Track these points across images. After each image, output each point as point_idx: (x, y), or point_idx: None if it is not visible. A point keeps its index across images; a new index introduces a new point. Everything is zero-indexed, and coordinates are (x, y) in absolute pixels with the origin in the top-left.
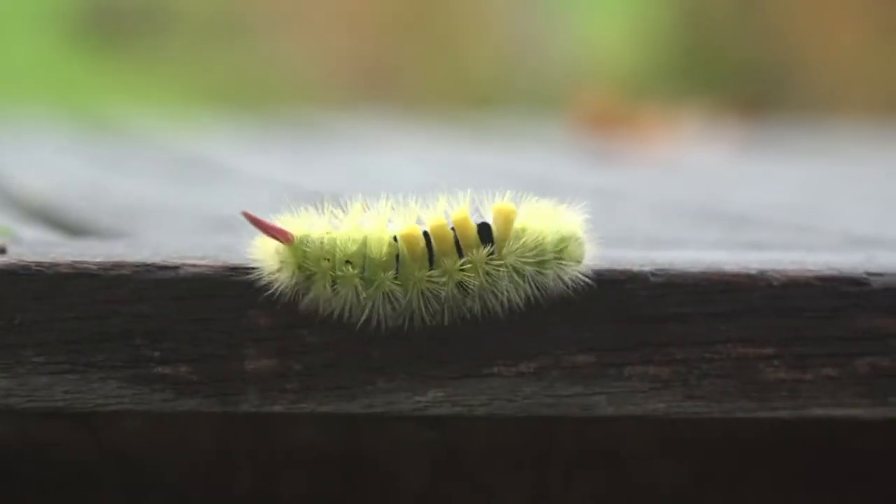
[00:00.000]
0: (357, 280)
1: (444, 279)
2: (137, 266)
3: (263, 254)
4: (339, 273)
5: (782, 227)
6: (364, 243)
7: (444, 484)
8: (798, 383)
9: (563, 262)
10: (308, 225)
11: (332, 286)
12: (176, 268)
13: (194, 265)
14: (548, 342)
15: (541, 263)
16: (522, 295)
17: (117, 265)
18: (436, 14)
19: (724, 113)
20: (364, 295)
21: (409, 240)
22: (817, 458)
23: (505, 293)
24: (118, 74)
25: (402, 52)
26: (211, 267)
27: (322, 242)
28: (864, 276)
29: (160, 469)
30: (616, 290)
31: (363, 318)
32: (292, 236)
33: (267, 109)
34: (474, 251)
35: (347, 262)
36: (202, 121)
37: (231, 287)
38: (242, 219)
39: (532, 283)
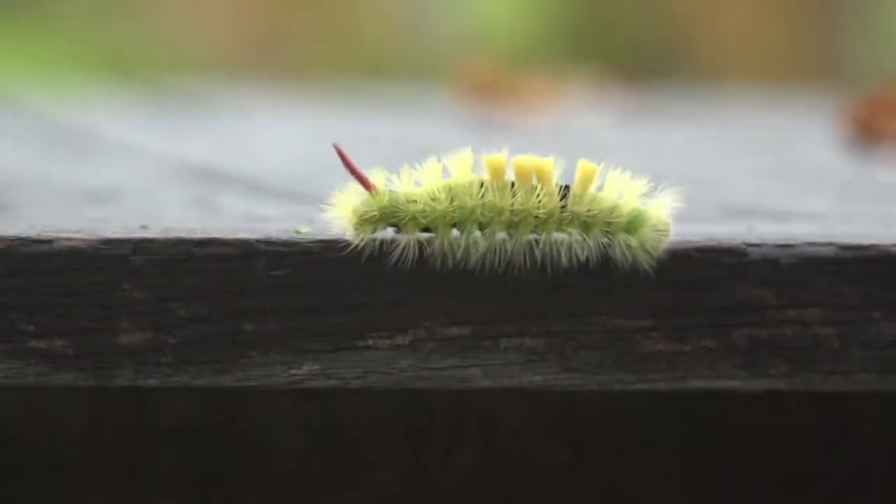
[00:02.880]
0: (449, 213)
1: (521, 216)
2: (12, 240)
3: (341, 211)
4: (427, 210)
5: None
6: (447, 182)
7: (320, 458)
8: (676, 355)
9: (637, 235)
10: (383, 177)
11: (421, 229)
12: (50, 241)
13: (69, 238)
14: (423, 314)
15: (612, 228)
16: (585, 253)
17: None
18: None
19: (610, 82)
20: (456, 231)
21: (493, 163)
22: (697, 432)
23: (569, 243)
24: (4, 41)
25: (292, 20)
26: (85, 240)
27: (406, 185)
28: (743, 246)
29: (36, 444)
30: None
31: (460, 253)
32: (374, 186)
33: (155, 80)
34: (549, 196)
35: (434, 199)
36: (88, 91)
37: (105, 260)
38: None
39: (598, 245)
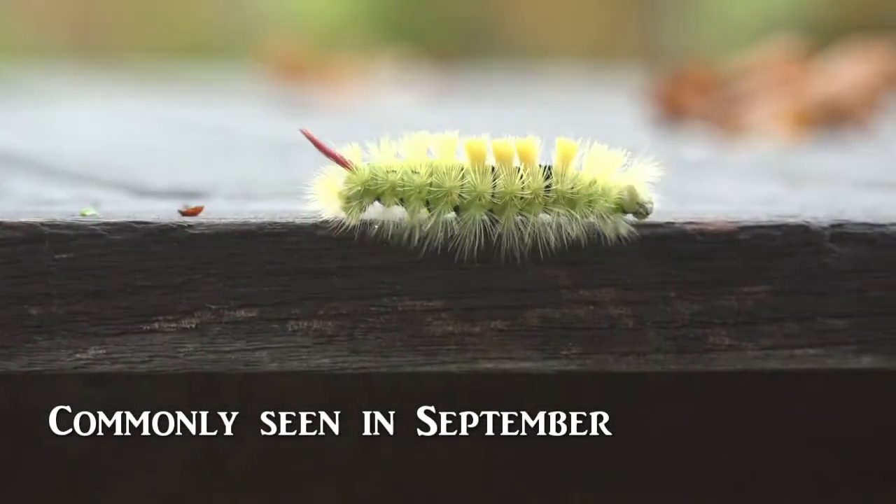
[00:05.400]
0: (426, 189)
1: (504, 199)
2: None
3: (323, 191)
4: (407, 184)
5: None
6: (429, 158)
7: (107, 443)
8: (466, 336)
9: (620, 207)
10: (358, 152)
11: (399, 202)
12: None
13: None
14: (209, 297)
15: (593, 202)
16: (575, 230)
17: None
18: None
19: (419, 61)
20: (433, 209)
21: (474, 147)
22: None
23: (555, 223)
24: None
25: (108, 3)
26: None
27: (387, 157)
28: None
29: None
30: (278, 244)
31: (430, 229)
32: (351, 162)
33: None
34: (533, 176)
35: (414, 172)
36: None
37: None
38: None
39: (584, 222)
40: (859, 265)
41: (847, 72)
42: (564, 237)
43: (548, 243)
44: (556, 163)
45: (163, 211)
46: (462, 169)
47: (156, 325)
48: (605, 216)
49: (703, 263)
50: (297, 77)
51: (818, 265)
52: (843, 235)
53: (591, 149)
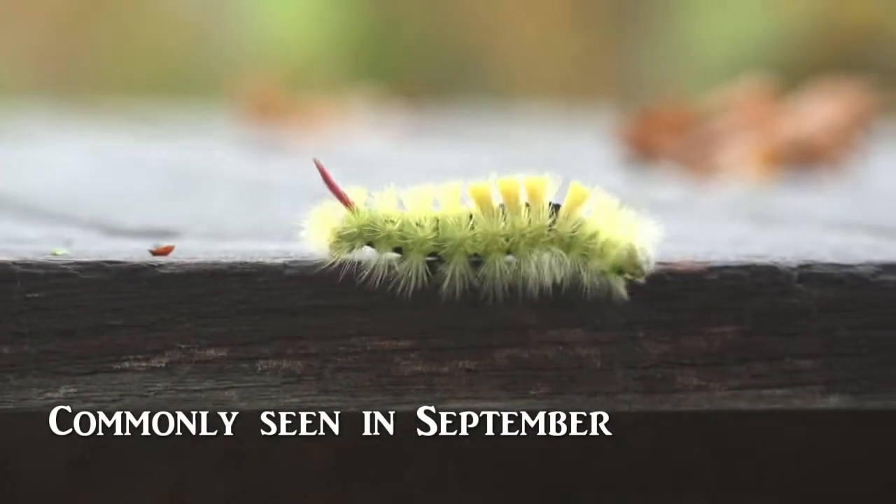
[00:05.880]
0: (430, 243)
1: (513, 238)
2: None
3: (316, 227)
4: (408, 236)
5: None
6: (432, 208)
7: (79, 483)
8: (434, 376)
9: (618, 267)
10: (363, 194)
11: (394, 250)
12: None
13: None
14: (179, 336)
15: (588, 257)
16: (561, 272)
17: None
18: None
19: (393, 100)
20: (447, 261)
21: (479, 192)
22: (463, 452)
23: (547, 265)
24: None
25: (84, 40)
26: None
27: (389, 204)
28: None
29: None
30: (248, 283)
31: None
32: (353, 203)
33: None
34: (538, 214)
35: (417, 224)
36: None
37: None
38: None
39: (571, 268)
40: (827, 305)
41: (819, 111)
42: (551, 279)
43: (529, 283)
44: (565, 205)
45: (134, 250)
46: (471, 217)
47: (126, 365)
48: (595, 275)
49: (672, 303)
50: (269, 116)
51: (786, 305)
52: (810, 276)
53: (599, 202)
